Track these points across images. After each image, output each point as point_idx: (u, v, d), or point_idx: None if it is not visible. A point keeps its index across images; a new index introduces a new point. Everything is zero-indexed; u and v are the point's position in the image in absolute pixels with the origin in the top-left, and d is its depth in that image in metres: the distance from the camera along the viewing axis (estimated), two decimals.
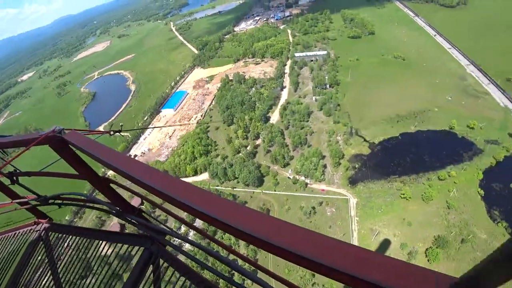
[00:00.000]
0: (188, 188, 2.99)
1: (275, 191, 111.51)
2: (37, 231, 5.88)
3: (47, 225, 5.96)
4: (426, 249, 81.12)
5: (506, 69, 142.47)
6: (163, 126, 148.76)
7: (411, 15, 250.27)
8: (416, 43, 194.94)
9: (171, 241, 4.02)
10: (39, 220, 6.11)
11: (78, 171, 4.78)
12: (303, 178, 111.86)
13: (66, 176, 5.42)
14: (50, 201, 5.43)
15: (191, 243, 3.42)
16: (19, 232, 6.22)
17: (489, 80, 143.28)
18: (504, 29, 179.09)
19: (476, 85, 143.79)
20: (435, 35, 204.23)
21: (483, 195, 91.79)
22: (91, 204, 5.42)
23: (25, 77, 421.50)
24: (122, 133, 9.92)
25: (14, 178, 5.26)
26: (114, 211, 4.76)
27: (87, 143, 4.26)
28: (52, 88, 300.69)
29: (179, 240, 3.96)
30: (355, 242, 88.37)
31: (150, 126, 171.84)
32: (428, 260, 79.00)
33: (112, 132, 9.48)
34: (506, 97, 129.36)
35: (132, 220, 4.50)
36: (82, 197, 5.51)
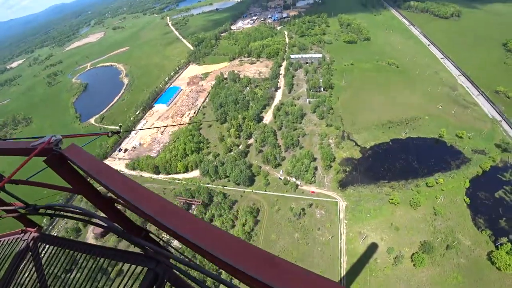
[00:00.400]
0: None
1: (265, 191, 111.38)
2: (24, 240, 5.36)
3: (35, 234, 5.43)
4: (412, 254, 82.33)
5: (495, 81, 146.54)
6: (162, 127, 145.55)
7: (406, 24, 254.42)
8: (410, 51, 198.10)
9: (177, 264, 3.57)
10: (27, 228, 5.58)
11: (75, 187, 4.29)
12: (294, 179, 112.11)
13: (58, 188, 4.87)
14: (41, 210, 4.87)
15: (196, 268, 3.02)
16: (4, 241, 5.66)
17: (479, 91, 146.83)
18: (495, 43, 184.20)
19: (466, 95, 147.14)
20: (428, 45, 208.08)
21: (469, 203, 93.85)
22: (88, 219, 4.88)
23: (14, 64, 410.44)
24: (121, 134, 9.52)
25: None
26: (117, 231, 4.22)
27: (90, 162, 3.82)
28: (42, 77, 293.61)
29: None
30: (343, 244, 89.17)
31: (147, 126, 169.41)
32: (414, 265, 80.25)
33: (110, 134, 9.03)
34: (494, 109, 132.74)
35: (140, 242, 3.92)
36: (78, 211, 4.87)
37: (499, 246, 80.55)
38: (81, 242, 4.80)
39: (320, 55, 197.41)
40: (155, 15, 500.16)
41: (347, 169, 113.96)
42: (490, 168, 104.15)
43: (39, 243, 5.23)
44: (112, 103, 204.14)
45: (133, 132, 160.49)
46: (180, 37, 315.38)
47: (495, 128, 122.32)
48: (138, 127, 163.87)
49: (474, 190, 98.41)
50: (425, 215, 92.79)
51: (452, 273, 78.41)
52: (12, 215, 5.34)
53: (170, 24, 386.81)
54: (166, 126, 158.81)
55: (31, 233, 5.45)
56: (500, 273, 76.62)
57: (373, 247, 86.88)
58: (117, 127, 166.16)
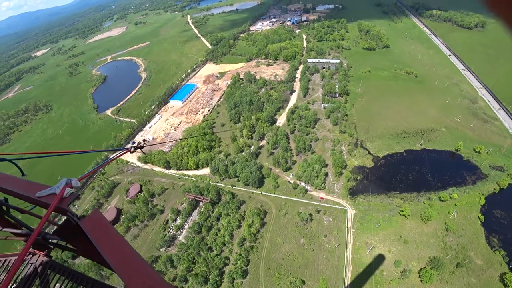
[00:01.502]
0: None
1: (274, 193, 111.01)
2: (32, 263, 5.05)
3: (44, 259, 5.17)
4: (420, 269, 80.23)
5: None
6: (181, 139, 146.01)
7: (427, 33, 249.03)
8: (430, 61, 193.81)
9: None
10: (35, 251, 5.29)
11: (79, 251, 4.20)
12: (303, 184, 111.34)
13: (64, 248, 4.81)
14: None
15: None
16: (8, 260, 5.33)
17: (500, 106, 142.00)
18: None
19: (486, 109, 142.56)
20: (450, 55, 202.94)
21: (483, 221, 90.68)
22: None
23: (39, 53, 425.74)
24: (144, 147, 9.49)
25: (4, 208, 4.57)
26: None
27: (106, 238, 3.52)
28: (64, 67, 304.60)
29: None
30: (349, 253, 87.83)
31: (161, 120, 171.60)
32: (421, 280, 78.18)
33: (132, 149, 8.98)
34: None
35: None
36: None
37: None
38: (90, 278, 4.83)
39: (338, 61, 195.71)
40: (176, 12, 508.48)
41: (358, 177, 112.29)
42: (508, 185, 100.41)
43: (48, 270, 4.99)
44: (129, 96, 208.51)
45: (147, 126, 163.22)
46: (199, 36, 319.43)
47: None
48: (153, 121, 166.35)
49: (490, 208, 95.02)
50: (436, 230, 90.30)
51: None
52: (20, 239, 5.13)
53: (190, 22, 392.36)
54: (185, 138, 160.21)
55: (39, 256, 5.20)
56: None
57: (380, 259, 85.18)
58: (133, 120, 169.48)
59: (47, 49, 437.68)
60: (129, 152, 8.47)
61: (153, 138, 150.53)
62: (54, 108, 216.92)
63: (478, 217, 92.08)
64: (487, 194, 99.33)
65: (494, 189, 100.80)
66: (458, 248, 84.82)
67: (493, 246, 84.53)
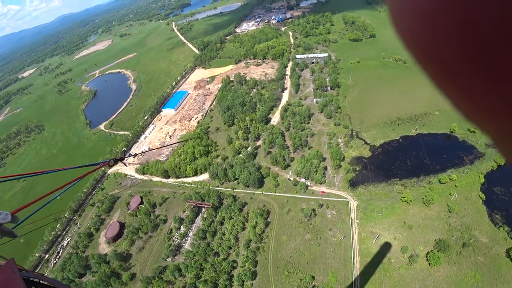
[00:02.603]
0: None
1: (275, 192, 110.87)
2: None
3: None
4: (427, 253, 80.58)
5: None
6: (170, 145, 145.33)
7: None
8: None
9: None
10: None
11: None
12: (303, 180, 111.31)
13: None
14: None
15: None
16: None
17: None
18: None
19: None
20: None
21: (484, 199, 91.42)
22: None
23: (26, 74, 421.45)
24: (125, 158, 9.84)
25: None
26: None
27: None
28: (53, 85, 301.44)
29: None
30: (355, 244, 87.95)
31: (155, 130, 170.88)
32: (429, 264, 78.50)
33: (112, 162, 9.14)
34: None
35: None
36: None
37: None
38: None
39: (326, 54, 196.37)
40: (160, 21, 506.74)
41: (357, 168, 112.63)
42: (505, 162, 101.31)
43: None
44: (121, 109, 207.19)
45: (142, 137, 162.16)
46: (186, 42, 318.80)
47: None
48: (147, 131, 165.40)
49: (490, 186, 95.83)
50: (439, 212, 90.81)
51: (469, 272, 76.37)
52: None
53: (175, 29, 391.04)
54: (173, 143, 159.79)
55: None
56: None
57: (386, 247, 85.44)
58: (127, 133, 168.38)
59: (34, 69, 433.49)
60: (108, 166, 8.43)
61: (149, 149, 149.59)
62: (46, 127, 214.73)
63: (479, 195, 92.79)
64: (485, 172, 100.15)
65: (492, 166, 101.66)
66: (463, 228, 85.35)
67: (496, 223, 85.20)
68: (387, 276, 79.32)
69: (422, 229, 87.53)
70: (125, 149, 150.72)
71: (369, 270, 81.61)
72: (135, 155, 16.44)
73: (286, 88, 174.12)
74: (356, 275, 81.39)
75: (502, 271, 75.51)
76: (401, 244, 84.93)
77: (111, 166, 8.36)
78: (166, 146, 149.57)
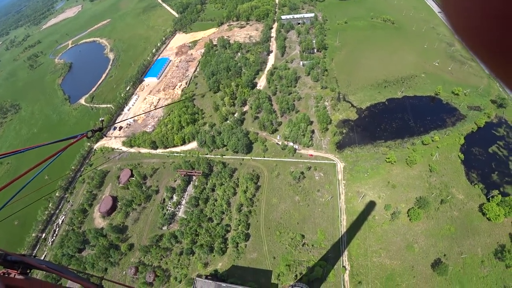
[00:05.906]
0: None
1: (264, 157, 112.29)
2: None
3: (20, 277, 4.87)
4: (408, 210, 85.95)
5: None
6: (151, 110, 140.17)
7: None
8: (406, 6, 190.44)
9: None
10: (9, 270, 5.04)
11: None
12: (291, 143, 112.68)
13: None
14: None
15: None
16: None
17: None
18: None
19: (463, 50, 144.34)
20: None
21: (463, 159, 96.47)
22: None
23: None
24: (104, 129, 9.44)
25: None
26: None
27: None
28: (23, 60, 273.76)
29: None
30: (342, 204, 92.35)
31: (139, 101, 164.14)
32: (410, 220, 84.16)
33: (90, 133, 8.70)
34: None
35: None
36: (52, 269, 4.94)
37: (490, 198, 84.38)
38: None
39: (312, 15, 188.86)
40: None
41: (344, 131, 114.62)
42: (485, 124, 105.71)
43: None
44: (100, 81, 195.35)
45: (125, 109, 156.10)
46: (164, 4, 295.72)
47: (491, 83, 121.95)
48: (131, 102, 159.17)
49: (469, 146, 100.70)
50: (421, 172, 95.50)
51: (445, 225, 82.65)
52: None
53: None
54: (155, 108, 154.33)
55: (15, 275, 4.94)
56: (490, 223, 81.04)
57: (371, 205, 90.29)
58: (109, 105, 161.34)
59: None
60: (86, 137, 8.15)
61: (134, 121, 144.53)
62: (22, 106, 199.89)
63: (458, 156, 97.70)
64: (465, 133, 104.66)
65: (472, 128, 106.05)
66: (441, 187, 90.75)
67: (472, 181, 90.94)
68: (371, 231, 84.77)
69: (405, 188, 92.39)
70: (102, 119, 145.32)
71: (355, 227, 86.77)
72: (113, 124, 15.53)
73: (271, 51, 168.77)
74: (343, 232, 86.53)
75: (474, 223, 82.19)
76: (385, 202, 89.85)
77: (89, 138, 7.90)
78: (147, 112, 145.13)
